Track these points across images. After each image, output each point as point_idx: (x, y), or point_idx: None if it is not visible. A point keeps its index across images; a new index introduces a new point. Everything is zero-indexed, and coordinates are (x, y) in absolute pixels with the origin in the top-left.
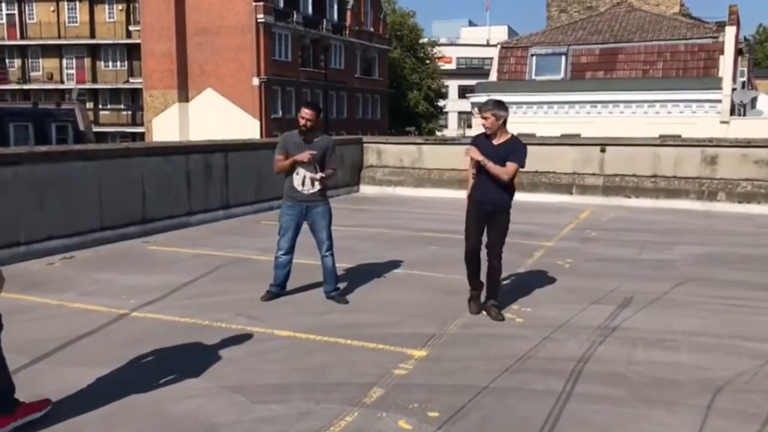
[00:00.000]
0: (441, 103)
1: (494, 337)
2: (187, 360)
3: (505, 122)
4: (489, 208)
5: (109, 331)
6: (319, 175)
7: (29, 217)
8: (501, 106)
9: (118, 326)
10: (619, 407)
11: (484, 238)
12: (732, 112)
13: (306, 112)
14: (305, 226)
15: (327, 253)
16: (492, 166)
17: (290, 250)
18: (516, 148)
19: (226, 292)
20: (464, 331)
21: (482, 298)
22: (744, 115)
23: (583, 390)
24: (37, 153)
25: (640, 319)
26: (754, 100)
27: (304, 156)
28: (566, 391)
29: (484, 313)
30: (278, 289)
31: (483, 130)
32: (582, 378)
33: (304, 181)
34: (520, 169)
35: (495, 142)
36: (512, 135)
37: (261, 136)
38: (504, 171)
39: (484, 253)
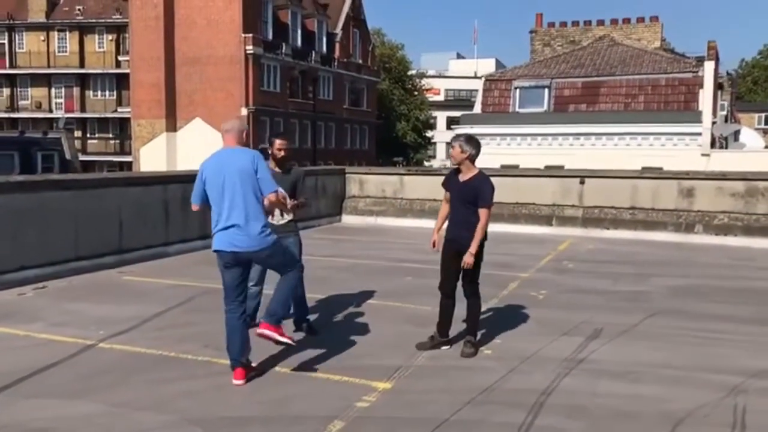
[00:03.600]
0: (429, 133)
1: (461, 369)
2: (150, 392)
3: (471, 159)
4: (458, 245)
5: (73, 362)
6: (290, 202)
7: (1, 247)
8: (472, 141)
9: (84, 357)
10: None
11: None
12: (713, 145)
13: (280, 143)
14: None
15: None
16: (474, 250)
17: (260, 281)
18: (481, 188)
19: (197, 323)
20: (432, 362)
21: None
22: (726, 147)
23: (543, 422)
24: (11, 183)
25: (607, 351)
26: (737, 133)
27: (288, 203)
28: (527, 423)
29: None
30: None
31: (456, 165)
32: (543, 410)
33: (274, 212)
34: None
35: (461, 178)
36: (478, 171)
37: None
38: (480, 228)
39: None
